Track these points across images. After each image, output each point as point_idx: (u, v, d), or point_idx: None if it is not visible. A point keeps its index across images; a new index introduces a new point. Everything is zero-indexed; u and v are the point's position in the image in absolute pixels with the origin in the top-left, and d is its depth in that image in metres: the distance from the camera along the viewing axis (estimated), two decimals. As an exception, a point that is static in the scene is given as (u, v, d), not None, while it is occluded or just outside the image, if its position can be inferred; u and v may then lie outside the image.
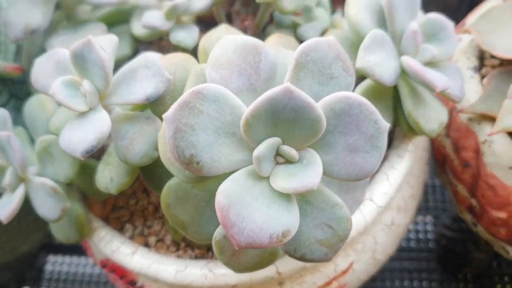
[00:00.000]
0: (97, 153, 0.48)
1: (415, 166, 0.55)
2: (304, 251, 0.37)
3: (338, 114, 0.35)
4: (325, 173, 0.35)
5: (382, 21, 0.47)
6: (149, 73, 0.39)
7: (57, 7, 0.52)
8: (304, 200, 0.36)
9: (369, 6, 0.46)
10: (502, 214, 0.54)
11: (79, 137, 0.37)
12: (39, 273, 0.84)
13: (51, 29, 0.52)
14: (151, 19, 0.47)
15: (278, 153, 0.35)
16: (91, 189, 0.47)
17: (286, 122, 0.34)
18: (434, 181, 0.88)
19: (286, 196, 0.34)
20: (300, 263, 0.46)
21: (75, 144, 0.37)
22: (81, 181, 0.47)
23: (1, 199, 0.45)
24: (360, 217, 0.47)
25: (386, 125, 0.35)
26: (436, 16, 0.48)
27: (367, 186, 0.43)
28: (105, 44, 0.42)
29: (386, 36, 0.45)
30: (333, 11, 0.65)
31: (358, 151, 0.35)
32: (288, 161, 0.35)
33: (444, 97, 0.49)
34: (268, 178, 0.35)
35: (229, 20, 0.60)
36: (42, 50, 0.51)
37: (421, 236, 0.83)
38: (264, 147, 0.34)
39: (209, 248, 0.50)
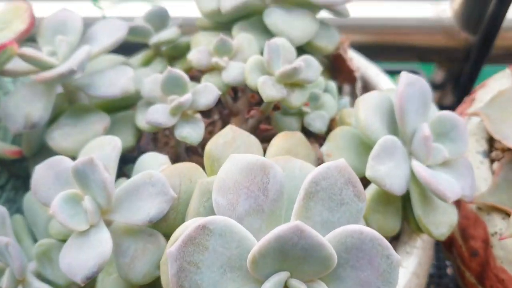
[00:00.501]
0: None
1: (423, 255, 0.54)
2: None
3: (349, 248, 0.33)
4: (337, 307, 0.34)
5: (393, 121, 0.46)
6: (153, 191, 0.37)
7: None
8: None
9: (378, 108, 0.45)
10: (512, 308, 0.53)
11: (80, 261, 0.36)
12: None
13: (52, 114, 0.50)
14: (156, 115, 0.46)
15: (286, 286, 0.34)
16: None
17: (295, 259, 0.33)
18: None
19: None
20: None
21: (76, 269, 0.36)
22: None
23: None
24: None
25: (398, 259, 0.34)
26: (447, 114, 0.47)
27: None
28: (109, 149, 0.41)
29: (397, 141, 0.44)
30: (340, 85, 0.65)
31: (369, 286, 0.34)
32: (296, 294, 0.34)
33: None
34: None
35: (235, 93, 0.59)
36: (42, 136, 0.50)
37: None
38: (271, 284, 0.33)
39: None
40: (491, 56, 0.95)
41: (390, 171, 0.43)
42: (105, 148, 0.41)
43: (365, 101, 0.46)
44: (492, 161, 0.58)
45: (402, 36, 0.98)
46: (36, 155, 0.52)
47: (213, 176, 0.41)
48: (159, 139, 0.59)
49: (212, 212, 0.36)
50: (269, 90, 0.46)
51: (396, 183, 0.43)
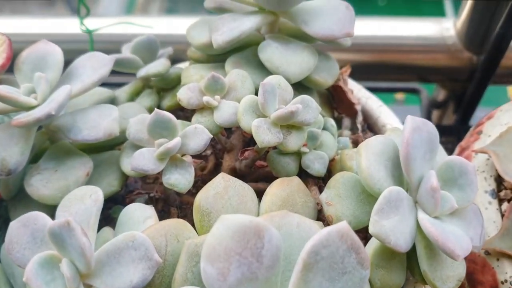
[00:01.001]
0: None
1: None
2: None
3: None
4: None
5: (397, 168, 0.43)
6: (136, 255, 0.34)
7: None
8: None
9: (382, 154, 0.42)
10: None
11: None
12: None
13: (32, 153, 0.47)
14: (142, 161, 0.42)
15: None
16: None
17: None
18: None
19: None
20: None
21: None
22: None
23: None
24: None
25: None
26: (456, 160, 0.44)
27: None
28: (90, 203, 0.38)
29: (402, 192, 0.41)
30: (340, 117, 0.61)
31: None
32: None
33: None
34: None
35: (230, 131, 0.56)
36: (21, 178, 0.46)
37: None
38: None
39: None
40: (495, 76, 0.92)
41: (395, 226, 0.39)
42: (85, 201, 0.38)
43: (368, 147, 0.42)
44: (500, 200, 0.55)
45: (404, 54, 0.95)
46: (15, 197, 0.48)
47: (202, 237, 0.37)
48: (148, 176, 0.55)
49: (201, 279, 0.33)
50: (264, 135, 0.43)
51: (402, 239, 0.40)
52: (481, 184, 0.55)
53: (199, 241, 0.36)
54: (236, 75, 0.48)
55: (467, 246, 0.41)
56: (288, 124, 0.45)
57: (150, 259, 0.34)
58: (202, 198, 0.39)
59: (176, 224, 0.38)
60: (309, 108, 0.45)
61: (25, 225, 0.37)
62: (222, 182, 0.41)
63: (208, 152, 0.56)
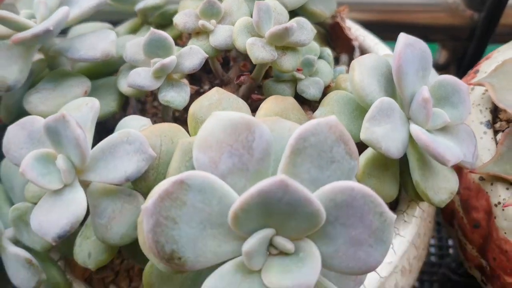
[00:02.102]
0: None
1: (421, 225, 0.51)
2: None
3: (339, 206, 0.31)
4: (324, 265, 0.32)
5: (390, 84, 0.43)
6: (130, 149, 0.35)
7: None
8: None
9: (375, 70, 0.43)
10: (516, 281, 0.50)
11: (52, 220, 0.34)
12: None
13: (31, 80, 0.48)
14: (138, 78, 0.43)
15: (271, 244, 0.31)
16: (71, 253, 0.44)
17: (280, 214, 0.30)
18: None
19: (279, 292, 0.31)
20: None
21: (47, 228, 0.33)
22: (60, 244, 0.43)
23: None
24: (361, 291, 0.44)
25: (392, 217, 0.32)
26: (449, 78, 0.45)
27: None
28: (86, 110, 0.39)
29: (394, 103, 0.42)
30: (338, 56, 0.62)
31: (361, 244, 0.32)
32: (283, 252, 0.32)
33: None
34: (259, 271, 0.31)
35: (226, 63, 0.57)
36: (20, 103, 0.47)
37: (425, 277, 0.79)
38: (255, 241, 0.31)
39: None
40: (495, 35, 0.92)
41: (386, 133, 0.40)
42: (82, 109, 0.39)
43: (361, 62, 0.43)
44: (496, 132, 0.55)
45: (405, 14, 0.95)
46: (15, 121, 0.50)
47: (196, 136, 0.38)
48: (147, 110, 0.57)
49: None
50: (259, 52, 0.44)
51: (393, 146, 0.40)
52: (476, 116, 0.56)
53: (193, 139, 0.37)
54: (232, 0, 0.49)
55: (458, 154, 0.42)
56: (283, 46, 0.46)
57: (144, 152, 0.35)
58: (196, 107, 0.40)
59: (171, 127, 0.39)
60: (304, 29, 0.46)
61: (22, 127, 0.38)
62: (217, 94, 0.42)
63: (206, 87, 0.57)
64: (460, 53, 0.99)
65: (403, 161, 0.45)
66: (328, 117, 0.33)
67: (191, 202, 0.31)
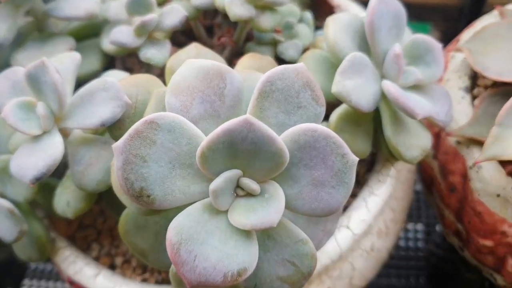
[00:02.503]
0: (61, 172, 0.46)
1: (399, 189, 0.53)
2: (265, 288, 0.34)
3: (302, 147, 0.32)
4: (288, 207, 0.33)
5: (365, 43, 0.45)
6: (106, 96, 0.37)
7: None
8: (266, 234, 0.35)
9: (349, 27, 0.44)
10: (489, 242, 0.52)
11: (30, 163, 0.35)
12: (18, 280, 0.83)
13: (20, 41, 0.50)
14: (120, 35, 0.45)
15: (238, 185, 0.33)
16: (54, 208, 0.45)
17: (245, 154, 0.32)
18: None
19: (244, 232, 0.32)
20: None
21: (25, 170, 0.35)
22: (43, 199, 0.45)
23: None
24: (334, 245, 0.45)
25: (354, 159, 0.33)
26: (422, 38, 0.46)
27: (339, 217, 0.41)
28: (67, 61, 0.40)
29: (366, 59, 0.43)
30: (321, 24, 0.63)
31: (324, 186, 0.33)
32: (249, 194, 0.33)
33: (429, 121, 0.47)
34: (226, 212, 0.33)
35: (211, 32, 0.58)
36: (8, 62, 0.49)
37: (411, 252, 0.81)
38: (221, 180, 0.32)
39: (177, 272, 0.48)
40: (483, 14, 0.93)
41: (357, 86, 0.41)
42: (63, 61, 0.40)
43: (336, 19, 0.44)
44: (474, 98, 0.56)
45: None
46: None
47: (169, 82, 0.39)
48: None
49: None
50: (237, 9, 0.45)
51: (363, 99, 0.42)
52: (455, 82, 0.57)
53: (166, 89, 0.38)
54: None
55: (427, 109, 0.43)
56: (262, 4, 0.47)
57: (119, 99, 0.37)
58: (174, 61, 0.42)
59: (148, 78, 0.40)
60: (282, -11, 0.47)
61: (6, 77, 0.39)
62: (195, 49, 0.43)
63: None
64: (451, 34, 1.00)
65: (377, 120, 0.46)
66: (295, 64, 0.35)
67: (160, 141, 0.32)
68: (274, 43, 0.51)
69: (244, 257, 0.32)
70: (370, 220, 0.47)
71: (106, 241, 0.50)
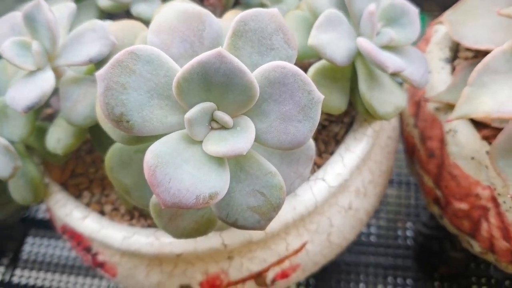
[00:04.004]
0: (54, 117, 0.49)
1: (378, 152, 0.55)
2: (237, 217, 0.37)
3: (272, 83, 0.35)
4: (259, 140, 0.35)
5: (342, 2, 0.47)
6: (95, 36, 0.39)
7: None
8: (239, 166, 0.37)
9: (328, -13, 0.47)
10: (464, 205, 0.54)
11: (23, 94, 0.38)
12: (19, 245, 0.85)
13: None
14: (113, -11, 0.48)
15: (213, 119, 0.35)
16: (48, 153, 0.48)
17: (219, 87, 0.34)
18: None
19: (217, 160, 0.35)
20: (246, 236, 0.46)
21: (19, 100, 0.38)
22: (38, 144, 0.48)
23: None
24: (310, 196, 0.47)
25: (319, 96, 0.35)
26: (399, 1, 0.48)
27: (311, 162, 0.43)
28: (63, 9, 0.43)
29: (342, 16, 0.46)
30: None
31: (291, 120, 0.35)
32: (223, 127, 0.35)
33: (411, 87, 0.49)
34: (201, 142, 0.35)
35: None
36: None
37: (399, 233, 0.83)
38: (196, 110, 0.34)
39: (162, 218, 0.50)
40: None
41: (332, 40, 0.44)
42: (60, 9, 0.43)
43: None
44: (454, 68, 0.58)
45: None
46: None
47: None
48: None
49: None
50: (223, -31, 0.48)
51: (338, 53, 0.44)
52: (436, 53, 0.59)
53: (151, 33, 0.41)
54: None
55: (399, 64, 0.45)
56: (247, -31, 0.50)
57: (107, 38, 0.40)
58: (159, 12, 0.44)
59: (135, 24, 0.43)
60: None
61: (6, 20, 0.42)
62: (179, 2, 0.45)
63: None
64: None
65: (354, 79, 0.48)
66: (269, 8, 0.37)
67: (139, 71, 0.34)
68: (262, 6, 0.53)
69: (215, 182, 0.34)
70: (346, 175, 0.49)
71: (97, 190, 0.53)
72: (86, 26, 0.40)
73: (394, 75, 0.48)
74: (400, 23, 0.48)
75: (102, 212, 0.51)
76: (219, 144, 0.34)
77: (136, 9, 0.48)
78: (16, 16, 0.42)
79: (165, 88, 0.35)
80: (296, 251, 0.50)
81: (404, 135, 0.63)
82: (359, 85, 0.47)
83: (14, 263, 0.85)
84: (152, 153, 0.34)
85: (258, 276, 0.50)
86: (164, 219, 0.40)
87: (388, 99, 0.47)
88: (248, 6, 0.54)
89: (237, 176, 0.37)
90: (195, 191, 0.34)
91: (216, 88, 0.34)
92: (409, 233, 0.83)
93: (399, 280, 0.77)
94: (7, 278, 0.84)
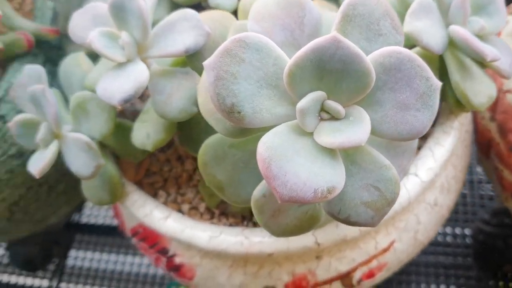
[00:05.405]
0: (131, 115, 0.47)
1: (459, 146, 0.52)
2: (349, 213, 0.35)
3: (388, 69, 0.33)
4: (373, 132, 0.33)
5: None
6: (188, 25, 0.38)
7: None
8: (350, 160, 0.35)
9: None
10: (550, 200, 0.51)
11: (117, 86, 0.36)
12: (65, 250, 0.84)
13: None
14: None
15: (323, 109, 0.33)
16: (125, 150, 0.46)
17: (332, 75, 0.32)
18: (472, 177, 0.85)
19: (330, 153, 0.33)
20: (341, 234, 0.44)
21: (112, 93, 0.36)
22: (115, 141, 0.46)
23: (34, 155, 0.44)
24: (404, 192, 0.45)
25: (438, 83, 0.34)
26: (486, -12, 0.46)
27: (414, 155, 0.41)
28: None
29: (433, 4, 0.44)
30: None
31: (409, 109, 0.33)
32: (334, 117, 0.33)
33: (492, 74, 0.47)
34: (311, 134, 0.33)
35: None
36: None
37: (457, 231, 0.80)
38: (308, 100, 0.32)
39: (244, 217, 0.48)
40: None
41: (426, 28, 0.42)
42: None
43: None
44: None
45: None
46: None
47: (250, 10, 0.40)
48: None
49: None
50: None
51: (433, 40, 0.42)
52: (509, 44, 0.57)
53: (244, 22, 0.39)
54: None
55: (496, 53, 0.43)
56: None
57: (201, 28, 0.38)
58: (247, 1, 0.42)
59: (223, 13, 0.41)
60: None
61: (86, 11, 0.41)
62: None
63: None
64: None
65: (442, 70, 0.46)
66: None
67: (249, 59, 0.33)
68: (336, -1, 0.51)
69: (331, 176, 0.32)
70: (437, 169, 0.47)
71: (172, 189, 0.51)
72: (177, 15, 0.38)
73: (483, 65, 0.46)
74: (487, 11, 0.46)
75: (180, 211, 0.49)
76: (333, 135, 0.32)
77: (214, 0, 0.46)
78: (98, 7, 0.40)
79: (273, 77, 0.33)
80: (384, 250, 0.48)
81: (478, 129, 0.60)
82: (451, 76, 0.45)
83: (60, 269, 0.84)
84: (265, 145, 0.32)
85: (345, 276, 0.47)
86: (266, 216, 0.38)
87: (481, 89, 0.45)
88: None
89: (349, 170, 0.35)
90: (312, 185, 0.32)
91: (329, 76, 0.32)
92: (467, 231, 0.81)
93: (461, 281, 0.75)
94: (54, 285, 0.83)
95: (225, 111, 0.32)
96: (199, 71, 0.39)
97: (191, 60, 0.39)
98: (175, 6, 0.50)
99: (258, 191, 0.37)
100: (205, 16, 0.41)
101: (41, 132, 0.43)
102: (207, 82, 0.32)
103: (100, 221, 0.89)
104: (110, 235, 0.86)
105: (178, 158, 0.53)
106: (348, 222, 0.35)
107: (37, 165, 0.42)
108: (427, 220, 0.50)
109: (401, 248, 0.49)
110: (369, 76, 0.32)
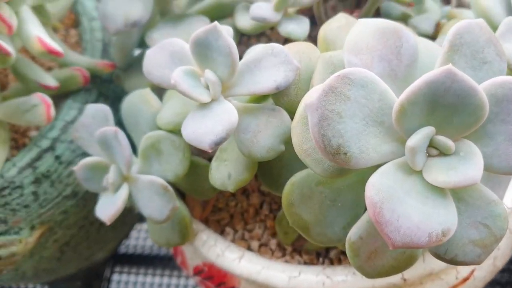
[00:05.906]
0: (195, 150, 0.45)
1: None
2: (456, 253, 0.33)
3: (500, 101, 0.31)
4: (483, 166, 0.31)
5: (508, 6, 0.44)
6: (276, 61, 0.35)
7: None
8: (457, 197, 0.33)
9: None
10: None
11: (206, 128, 0.34)
12: (106, 284, 0.82)
13: (145, 25, 0.49)
14: (260, 10, 0.44)
15: (431, 145, 0.31)
16: (196, 189, 0.44)
17: (444, 109, 0.30)
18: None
19: (440, 192, 0.31)
20: (427, 269, 0.43)
21: (202, 136, 0.34)
22: (185, 180, 0.44)
23: (101, 198, 0.42)
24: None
25: (548, 117, 0.31)
26: None
27: (508, 184, 0.39)
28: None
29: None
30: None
31: (522, 141, 0.31)
32: (442, 153, 0.31)
33: None
34: (420, 172, 0.31)
35: (325, 16, 0.57)
36: (136, 45, 0.48)
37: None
38: (419, 137, 0.31)
39: (318, 253, 0.46)
40: None
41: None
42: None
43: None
44: None
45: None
46: (127, 70, 0.51)
47: (336, 51, 0.38)
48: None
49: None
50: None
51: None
52: None
53: (333, 53, 0.37)
54: None
55: None
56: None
57: (289, 63, 0.36)
58: (327, 30, 0.40)
59: (307, 45, 0.39)
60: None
61: (163, 48, 0.38)
62: (343, 19, 0.42)
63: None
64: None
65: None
66: (476, 19, 0.33)
67: (354, 96, 0.31)
68: (404, 18, 0.49)
69: (444, 217, 0.30)
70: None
71: (239, 225, 0.49)
72: (262, 51, 0.36)
73: None
74: None
75: (249, 249, 0.47)
76: (446, 173, 0.31)
77: (286, 28, 0.44)
78: (174, 43, 0.38)
79: (379, 113, 0.31)
80: (465, 279, 0.46)
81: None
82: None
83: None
84: (374, 188, 0.30)
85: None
86: (362, 258, 0.36)
87: None
88: (388, 17, 0.50)
89: (457, 207, 0.33)
90: (426, 228, 0.30)
91: (441, 110, 0.30)
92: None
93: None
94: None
95: (331, 152, 0.30)
96: (285, 107, 0.37)
97: (276, 96, 0.37)
98: (239, 35, 0.49)
99: (354, 233, 0.35)
100: (290, 47, 0.39)
101: (111, 176, 0.41)
102: (310, 122, 0.30)
103: (138, 250, 0.87)
104: (151, 265, 0.84)
105: (243, 192, 0.50)
106: (454, 262, 0.33)
107: (108, 211, 0.40)
108: (505, 246, 0.48)
109: (480, 275, 0.47)
110: (483, 109, 0.30)
